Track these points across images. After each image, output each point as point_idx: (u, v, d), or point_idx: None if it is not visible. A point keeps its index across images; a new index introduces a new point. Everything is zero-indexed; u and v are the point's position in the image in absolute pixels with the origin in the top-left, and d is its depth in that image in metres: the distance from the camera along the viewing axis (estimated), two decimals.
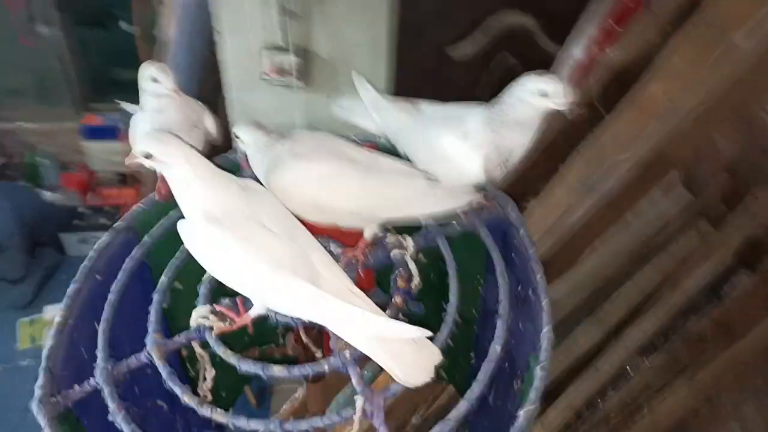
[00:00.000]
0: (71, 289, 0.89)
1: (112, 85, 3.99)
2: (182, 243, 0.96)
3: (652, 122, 1.30)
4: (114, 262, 0.95)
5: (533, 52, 2.53)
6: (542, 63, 2.52)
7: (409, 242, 0.95)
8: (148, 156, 0.80)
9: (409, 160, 1.00)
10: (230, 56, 2.61)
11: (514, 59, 2.56)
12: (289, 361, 1.22)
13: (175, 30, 2.74)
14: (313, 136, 1.01)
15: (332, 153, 0.96)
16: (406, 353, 0.78)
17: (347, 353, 0.80)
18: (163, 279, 0.93)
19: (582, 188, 1.40)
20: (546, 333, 0.84)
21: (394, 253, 0.94)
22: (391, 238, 0.96)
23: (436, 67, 2.58)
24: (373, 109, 1.03)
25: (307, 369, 0.80)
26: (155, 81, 0.97)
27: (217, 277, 0.85)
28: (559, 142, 1.51)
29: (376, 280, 1.05)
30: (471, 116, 0.92)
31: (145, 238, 0.99)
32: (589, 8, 1.98)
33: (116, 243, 0.98)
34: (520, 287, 0.96)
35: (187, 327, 0.89)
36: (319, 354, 1.00)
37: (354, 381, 0.78)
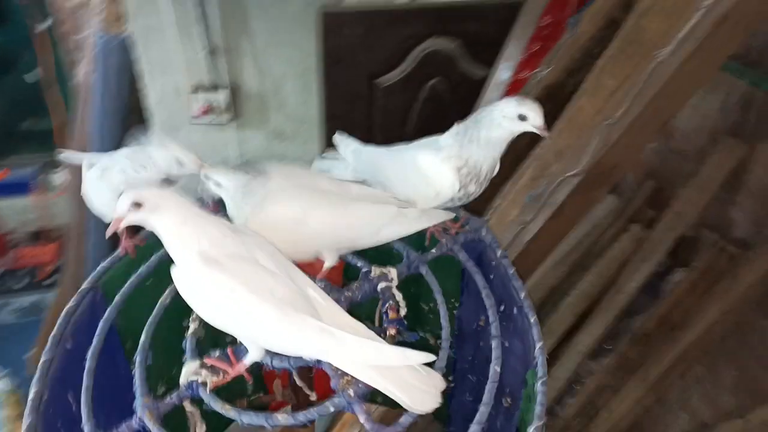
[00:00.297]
0: (42, 361, 0.82)
1: (19, 137, 3.74)
2: (155, 299, 0.92)
3: (591, 137, 1.36)
4: (82, 326, 0.89)
5: (457, 76, 2.62)
6: (466, 86, 2.62)
7: (393, 273, 0.95)
8: (138, 204, 0.77)
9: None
10: (156, 98, 2.55)
11: (441, 83, 2.63)
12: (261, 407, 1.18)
13: (93, 75, 2.63)
14: (286, 172, 1.00)
15: (305, 190, 0.96)
16: (413, 381, 0.78)
17: (351, 391, 0.79)
18: (143, 338, 0.89)
19: (533, 203, 1.45)
20: (540, 348, 0.85)
21: (381, 285, 0.94)
22: (375, 271, 0.96)
23: (365, 93, 2.62)
24: (355, 158, 1.07)
25: (313, 413, 0.78)
26: (180, 164, 0.95)
27: (214, 323, 0.81)
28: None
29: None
30: (443, 137, 0.96)
31: (117, 297, 0.94)
32: (514, 32, 2.08)
33: (83, 306, 0.92)
34: (503, 307, 0.97)
35: (156, 386, 0.83)
36: (313, 396, 0.97)
37: (362, 419, 0.77)
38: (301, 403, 1.01)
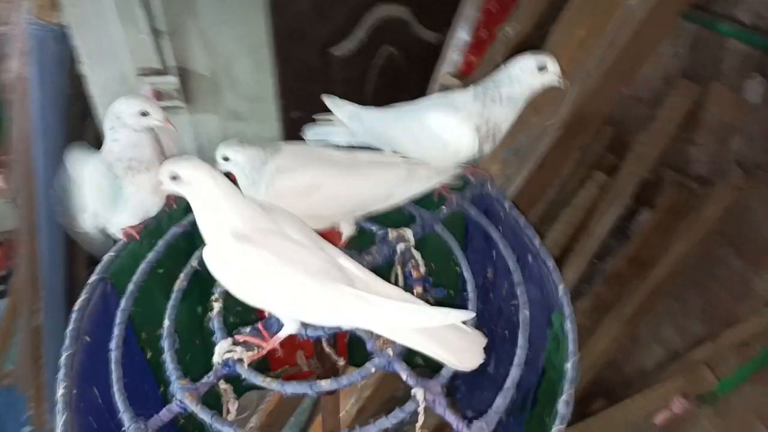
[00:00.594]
0: (64, 357, 0.79)
1: None
2: (166, 285, 0.90)
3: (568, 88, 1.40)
4: (97, 318, 0.86)
5: (411, 41, 2.62)
6: (420, 51, 2.63)
7: (409, 234, 0.96)
8: (174, 177, 0.78)
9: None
10: (100, 87, 2.42)
11: (396, 51, 2.62)
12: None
13: (29, 68, 2.47)
14: (294, 148, 0.98)
15: (316, 161, 0.95)
16: (453, 339, 0.79)
17: (390, 351, 0.80)
18: (167, 323, 0.87)
19: (513, 158, 1.48)
20: (564, 289, 0.88)
21: (401, 246, 0.95)
22: (392, 234, 0.97)
23: (320, 65, 2.58)
24: (353, 120, 1.05)
25: (356, 375, 0.79)
26: (144, 114, 0.91)
27: (249, 300, 0.81)
28: None
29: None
30: (460, 95, 0.96)
31: (130, 286, 0.91)
32: None
33: (95, 298, 0.89)
34: (517, 256, 1.00)
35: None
36: (341, 362, 0.97)
37: (404, 376, 0.78)
38: (327, 370, 1.02)
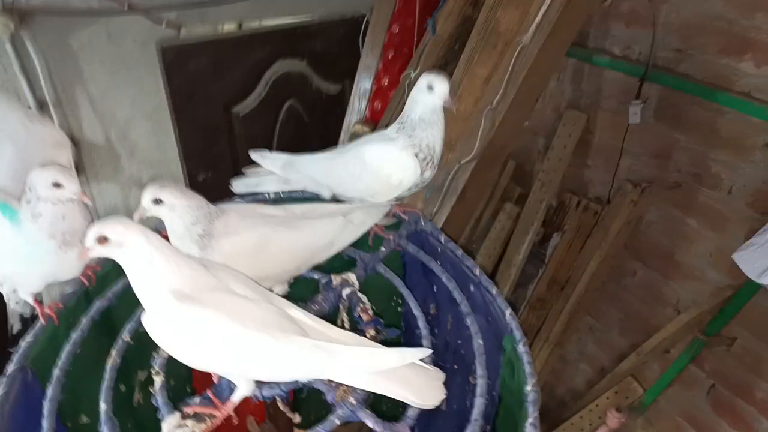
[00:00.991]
0: None
1: None
2: (96, 368, 0.82)
3: (477, 123, 1.46)
4: (18, 414, 0.75)
5: (312, 94, 2.65)
6: (322, 103, 2.66)
7: (353, 278, 0.94)
8: (103, 239, 0.72)
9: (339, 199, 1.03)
10: None
11: (299, 104, 2.64)
12: None
13: None
14: (235, 207, 0.94)
15: (259, 218, 0.93)
16: (413, 378, 0.78)
17: (351, 399, 0.76)
18: (104, 407, 0.78)
19: (434, 195, 1.51)
20: (510, 314, 0.89)
21: (346, 290, 0.92)
22: (336, 279, 0.94)
23: (223, 124, 2.54)
24: (287, 168, 1.06)
25: (319, 431, 0.73)
26: (58, 186, 0.83)
27: (197, 365, 0.75)
28: None
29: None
30: (388, 130, 0.97)
31: (55, 371, 0.81)
32: (366, 44, 2.16)
33: (14, 391, 0.78)
34: (457, 289, 1.00)
35: None
36: (296, 419, 0.91)
37: (371, 423, 0.75)
38: (282, 430, 0.95)
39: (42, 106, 2.23)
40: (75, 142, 2.35)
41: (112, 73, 2.31)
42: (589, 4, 1.43)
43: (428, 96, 0.96)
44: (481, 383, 0.82)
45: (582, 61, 2.03)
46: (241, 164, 2.75)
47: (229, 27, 2.85)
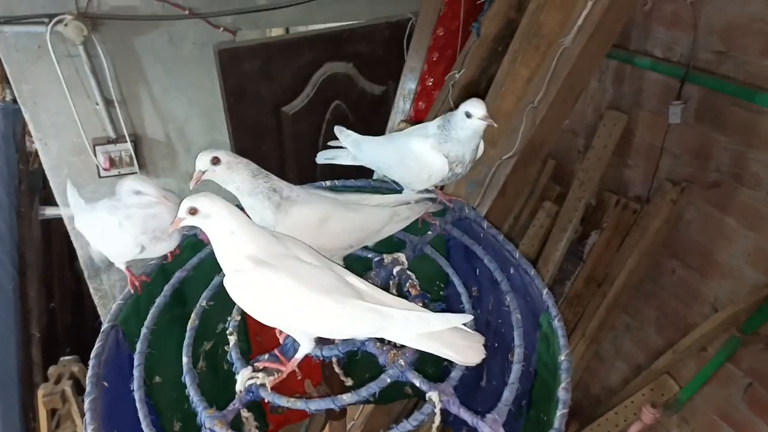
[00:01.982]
0: (88, 401, 0.80)
1: None
2: (175, 329, 0.94)
3: (519, 121, 1.53)
4: (111, 363, 0.88)
5: (357, 95, 2.76)
6: (367, 103, 2.77)
7: (402, 257, 1.04)
8: (193, 212, 0.83)
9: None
10: (53, 160, 2.42)
11: (345, 104, 2.74)
12: None
13: None
14: (290, 186, 1.04)
15: (319, 198, 1.03)
16: (456, 339, 0.87)
17: (401, 361, 0.85)
18: (186, 359, 0.89)
19: (476, 189, 1.59)
20: (547, 293, 0.97)
21: (396, 268, 1.02)
22: (387, 258, 1.04)
23: (273, 123, 2.66)
24: (354, 147, 1.18)
25: (373, 387, 0.84)
26: (138, 193, 0.96)
27: (269, 322, 0.86)
28: None
29: None
30: (430, 124, 1.10)
31: (143, 329, 0.93)
32: (412, 46, 2.25)
33: (108, 344, 0.90)
34: (498, 270, 1.08)
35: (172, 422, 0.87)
36: (348, 382, 1.01)
37: (418, 383, 0.85)
38: (336, 392, 1.05)
39: (109, 103, 2.41)
40: (136, 139, 2.52)
41: (172, 73, 2.47)
42: (629, 7, 1.49)
43: (468, 122, 1.04)
44: (518, 351, 0.89)
45: (623, 62, 2.07)
46: (287, 160, 2.89)
47: (279, 31, 3.00)
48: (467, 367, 0.88)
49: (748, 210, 1.79)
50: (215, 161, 0.96)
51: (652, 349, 2.22)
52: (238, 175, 0.97)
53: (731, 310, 1.84)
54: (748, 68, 1.69)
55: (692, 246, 1.99)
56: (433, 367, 1.24)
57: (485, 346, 1.12)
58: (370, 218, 1.04)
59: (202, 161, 0.96)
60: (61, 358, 2.63)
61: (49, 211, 1.33)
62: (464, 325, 0.88)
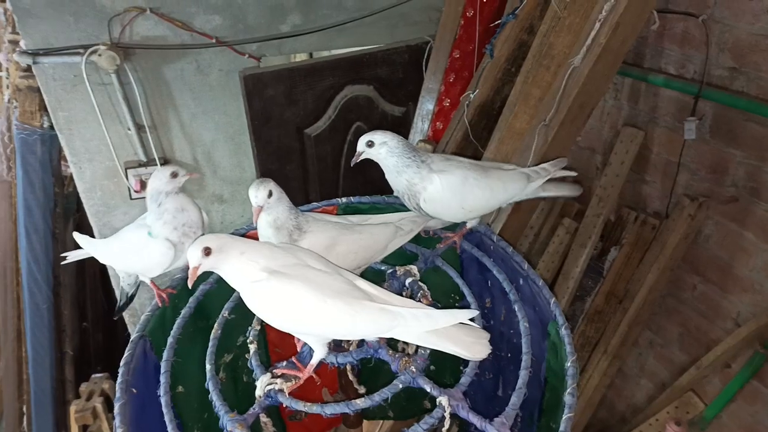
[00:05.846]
0: (118, 406, 0.86)
1: None
2: (198, 340, 0.99)
3: (532, 138, 1.57)
4: (139, 371, 0.94)
5: (377, 116, 2.83)
6: (386, 124, 2.83)
7: (414, 269, 1.08)
8: (207, 252, 0.87)
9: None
10: (87, 184, 2.53)
11: (366, 126, 2.81)
12: None
13: (13, 173, 2.57)
14: (310, 214, 1.11)
15: (329, 224, 1.09)
16: (463, 336, 0.91)
17: (413, 368, 0.89)
18: (209, 367, 0.94)
19: None
20: (555, 302, 1.00)
21: (408, 280, 1.06)
22: (400, 270, 1.08)
23: (297, 146, 2.74)
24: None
25: (385, 392, 0.88)
26: (175, 176, 1.02)
27: (285, 328, 0.90)
28: None
29: None
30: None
31: (170, 338, 1.00)
32: (429, 68, 2.32)
33: (137, 353, 0.96)
34: (506, 281, 1.12)
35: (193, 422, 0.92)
36: (362, 390, 1.05)
37: (428, 389, 0.88)
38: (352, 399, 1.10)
39: (140, 129, 2.52)
40: (166, 161, 2.62)
41: (200, 99, 2.58)
42: (636, 28, 1.52)
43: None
44: (525, 358, 0.92)
45: (638, 80, 2.10)
46: (311, 181, 2.96)
47: (302, 56, 3.11)
48: (484, 377, 0.92)
49: (767, 224, 1.78)
50: (270, 194, 1.04)
51: (676, 365, 2.20)
52: (283, 211, 1.05)
53: (754, 325, 1.83)
54: (760, 83, 1.71)
55: (712, 261, 1.99)
56: (451, 378, 1.27)
57: (499, 356, 1.16)
58: (374, 236, 1.11)
59: (263, 191, 1.03)
60: (93, 376, 2.72)
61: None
62: (471, 320, 0.92)
